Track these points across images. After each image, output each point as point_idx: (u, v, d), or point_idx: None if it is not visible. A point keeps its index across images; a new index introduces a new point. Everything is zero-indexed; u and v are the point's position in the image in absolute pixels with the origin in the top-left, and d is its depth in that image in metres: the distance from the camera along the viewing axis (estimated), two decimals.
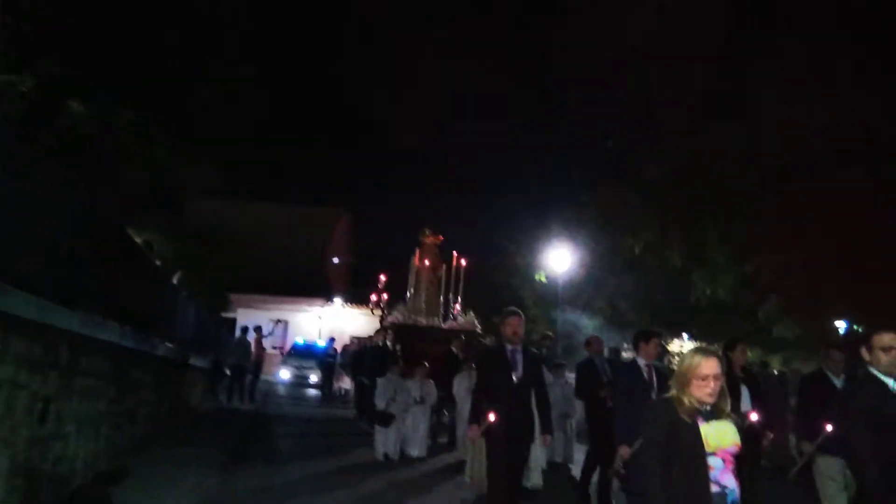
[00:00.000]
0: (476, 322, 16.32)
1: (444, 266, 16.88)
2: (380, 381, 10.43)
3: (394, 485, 8.27)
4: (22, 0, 6.11)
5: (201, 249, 18.33)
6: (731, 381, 6.01)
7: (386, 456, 9.76)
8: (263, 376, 19.94)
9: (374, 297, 20.95)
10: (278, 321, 23.49)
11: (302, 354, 24.50)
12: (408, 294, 17.40)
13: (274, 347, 31.97)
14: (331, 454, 10.20)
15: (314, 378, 21.98)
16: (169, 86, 9.65)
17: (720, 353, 3.42)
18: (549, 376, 8.97)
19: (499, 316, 15.89)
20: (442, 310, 16.55)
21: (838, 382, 6.22)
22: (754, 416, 6.33)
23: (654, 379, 5.88)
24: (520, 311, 6.27)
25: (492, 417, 5.55)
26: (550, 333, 11.71)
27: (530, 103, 48.47)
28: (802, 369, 17.50)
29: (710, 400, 3.30)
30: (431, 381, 10.57)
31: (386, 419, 9.90)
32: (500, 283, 21.59)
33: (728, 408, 3.38)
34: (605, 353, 9.70)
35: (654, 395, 5.64)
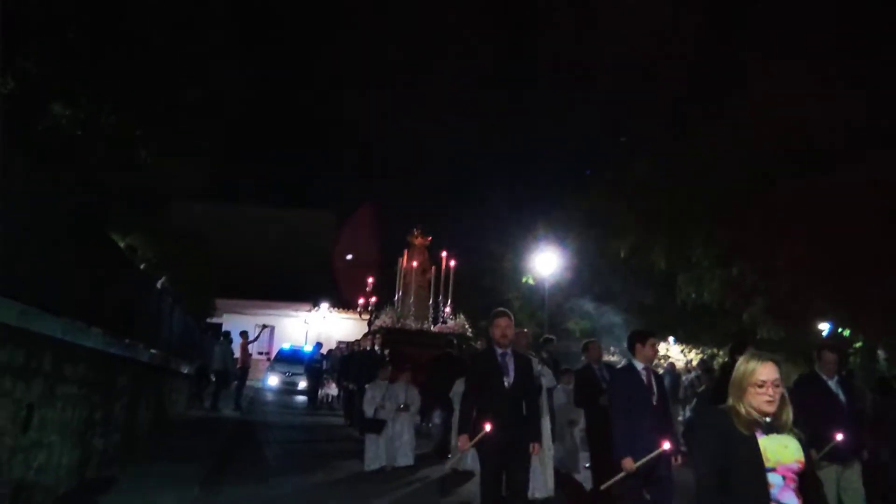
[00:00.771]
0: (467, 325, 16.14)
1: (433, 268, 16.67)
2: (368, 387, 10.14)
3: (387, 496, 8.01)
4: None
5: (186, 253, 18.16)
6: None
7: (377, 466, 9.36)
8: (250, 382, 19.76)
9: (361, 301, 20.78)
10: (264, 326, 23.32)
11: (289, 360, 24.07)
12: (396, 297, 17.16)
13: (260, 353, 31.82)
14: (320, 464, 9.97)
15: (303, 384, 21.68)
16: (153, 88, 9.54)
17: (776, 358, 3.06)
18: (552, 381, 8.74)
19: (486, 320, 15.90)
20: (432, 312, 16.29)
21: (832, 384, 6.13)
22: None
23: (654, 384, 5.58)
24: (508, 311, 5.95)
25: (487, 428, 5.21)
26: (552, 337, 11.47)
27: (512, 105, 48.64)
28: (789, 372, 17.61)
29: (770, 409, 3.03)
30: (415, 387, 10.24)
31: (377, 426, 9.56)
32: (487, 287, 21.60)
33: (790, 420, 3.10)
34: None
35: (654, 401, 5.45)
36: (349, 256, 33.88)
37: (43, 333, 5.40)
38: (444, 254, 16.72)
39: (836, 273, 17.24)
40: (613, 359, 21.81)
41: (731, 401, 3.14)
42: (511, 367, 5.53)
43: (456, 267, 16.77)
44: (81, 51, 7.96)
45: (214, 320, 26.72)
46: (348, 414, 14.33)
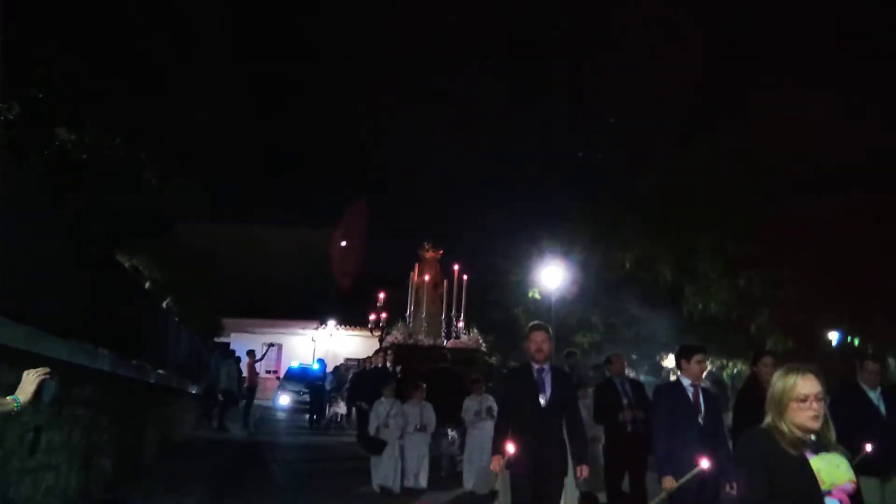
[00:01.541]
0: (480, 340, 15.76)
1: (445, 281, 16.27)
2: (374, 405, 9.78)
3: None
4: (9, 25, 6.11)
5: (193, 274, 18.23)
6: (760, 400, 5.78)
7: (383, 487, 9.08)
8: (258, 401, 19.70)
9: (372, 317, 20.49)
10: (271, 345, 23.24)
11: (299, 378, 23.77)
12: (408, 312, 16.81)
13: (268, 371, 31.81)
14: (328, 485, 9.89)
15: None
16: (158, 110, 9.65)
17: (814, 369, 2.85)
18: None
19: (492, 334, 15.75)
20: (444, 327, 15.94)
21: (874, 396, 5.84)
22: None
23: (702, 401, 5.26)
24: (546, 324, 5.64)
25: (510, 450, 4.84)
26: (575, 351, 11.12)
27: (516, 119, 48.78)
28: None
29: (815, 425, 2.79)
30: (430, 405, 9.70)
31: (377, 446, 9.21)
32: (493, 301, 21.56)
33: (834, 437, 2.88)
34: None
35: (701, 420, 5.17)
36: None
37: (49, 356, 5.44)
38: (456, 267, 16.35)
39: (844, 282, 17.22)
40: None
41: (770, 419, 2.91)
42: (548, 383, 5.23)
43: (474, 278, 16.42)
44: (86, 75, 8.06)
45: (222, 339, 26.75)
46: (360, 433, 14.10)
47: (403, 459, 9.33)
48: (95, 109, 8.41)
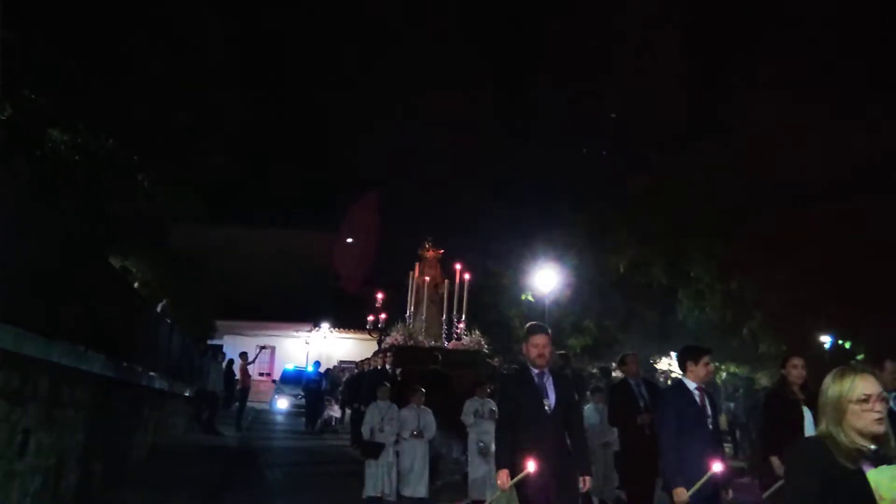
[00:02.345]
0: (483, 341, 15.35)
1: (446, 281, 15.91)
2: (369, 408, 9.43)
3: None
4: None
5: (186, 276, 18.19)
6: (790, 403, 5.46)
7: (375, 498, 8.67)
8: (252, 403, 19.61)
9: (371, 318, 20.14)
10: (262, 347, 23.02)
11: (294, 381, 23.46)
12: (407, 313, 16.43)
13: (261, 374, 31.74)
14: (321, 489, 9.79)
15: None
16: (151, 113, 9.64)
17: (869, 369, 2.59)
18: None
19: (485, 337, 15.65)
20: (445, 329, 15.48)
21: (892, 400, 5.41)
22: None
23: (708, 404, 5.06)
24: (546, 326, 5.27)
25: (531, 467, 4.43)
26: (567, 353, 10.82)
27: (511, 124, 48.88)
28: None
29: (880, 428, 2.50)
30: (429, 410, 9.19)
31: (373, 450, 8.82)
32: (487, 304, 21.58)
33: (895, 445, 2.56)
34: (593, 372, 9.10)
35: (709, 424, 4.98)
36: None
37: (39, 358, 5.42)
38: (457, 266, 15.88)
39: (836, 286, 17.33)
40: (616, 374, 21.77)
41: (823, 428, 2.63)
42: (551, 388, 4.89)
43: (471, 280, 15.77)
44: (79, 77, 8.05)
45: (215, 342, 26.70)
46: (355, 437, 13.92)
47: (399, 466, 8.93)
48: (88, 111, 8.39)
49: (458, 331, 15.32)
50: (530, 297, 20.78)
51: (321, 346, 32.12)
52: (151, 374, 10.45)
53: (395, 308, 18.88)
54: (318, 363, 20.52)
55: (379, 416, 9.07)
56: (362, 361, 17.08)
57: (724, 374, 19.57)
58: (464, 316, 15.43)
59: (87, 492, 7.24)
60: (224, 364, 17.98)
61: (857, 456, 2.50)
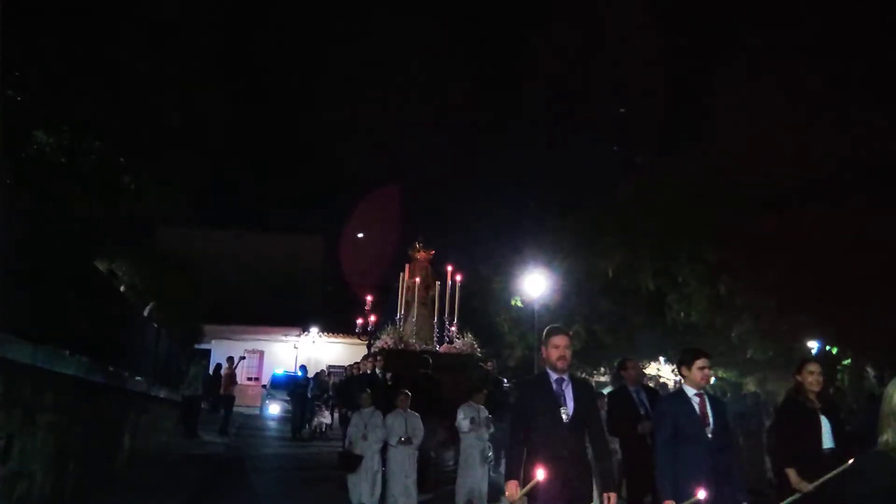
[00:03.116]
0: (476, 345, 15.04)
1: (438, 283, 15.53)
2: (353, 415, 9.03)
3: None
4: None
5: (173, 279, 18.06)
6: (807, 412, 5.18)
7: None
8: (240, 408, 19.43)
9: (360, 321, 19.87)
10: (242, 357, 22.49)
11: (283, 386, 22.90)
12: (398, 316, 15.93)
13: (250, 378, 31.56)
14: (309, 497, 9.65)
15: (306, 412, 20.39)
16: (137, 115, 9.55)
17: None
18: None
19: (478, 339, 15.55)
20: (436, 332, 15.09)
21: None
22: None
23: (710, 412, 4.77)
24: (565, 327, 4.95)
25: (541, 475, 4.07)
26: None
27: (499, 129, 48.99)
28: (778, 390, 17.68)
29: None
30: (417, 415, 8.73)
31: (350, 463, 8.47)
32: (476, 308, 21.58)
33: None
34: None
35: (709, 434, 4.70)
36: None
37: (22, 362, 5.34)
38: (449, 268, 15.51)
39: (824, 291, 17.42)
40: (603, 379, 21.82)
41: (889, 439, 2.47)
42: (569, 395, 4.52)
43: (462, 282, 15.40)
44: (64, 78, 7.97)
45: (203, 346, 26.53)
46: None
47: (387, 475, 8.54)
48: (73, 112, 8.31)
49: (450, 334, 15.00)
50: (519, 303, 20.79)
51: (310, 351, 31.98)
52: (137, 378, 10.35)
53: (385, 311, 18.63)
54: (304, 367, 20.20)
55: (362, 424, 8.64)
56: (351, 366, 16.84)
57: (712, 379, 19.63)
58: (456, 318, 15.10)
59: (70, 497, 7.14)
60: (212, 369, 17.86)
61: None
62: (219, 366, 18.15)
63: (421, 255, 16.04)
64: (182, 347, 17.18)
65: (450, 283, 15.29)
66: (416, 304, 15.55)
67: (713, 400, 4.90)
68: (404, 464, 8.47)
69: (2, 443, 5.17)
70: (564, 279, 19.78)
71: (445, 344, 14.92)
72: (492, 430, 9.26)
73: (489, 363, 14.22)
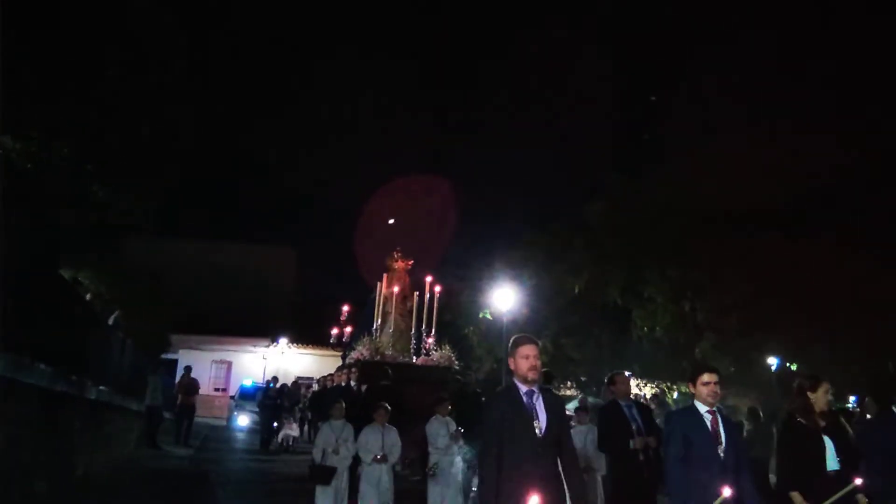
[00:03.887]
0: (453, 357, 14.81)
1: (416, 294, 15.28)
2: (322, 428, 8.68)
3: None
4: None
5: (141, 289, 17.89)
6: (811, 431, 5.04)
7: None
8: (207, 419, 19.15)
9: (335, 332, 19.32)
10: (275, 377, 21.91)
11: (252, 398, 22.62)
12: (374, 326, 15.62)
13: (217, 389, 31.24)
14: None
15: (274, 423, 19.27)
16: (106, 123, 9.55)
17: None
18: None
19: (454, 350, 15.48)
20: (414, 343, 14.81)
21: None
22: (859, 481, 4.58)
23: (722, 430, 4.53)
24: (534, 337, 4.63)
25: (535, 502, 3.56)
26: (550, 371, 10.21)
27: (470, 147, 49.50)
28: (739, 406, 18.05)
29: None
30: (394, 430, 8.27)
31: (322, 475, 8.03)
32: (445, 321, 21.70)
33: None
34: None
35: (721, 453, 4.46)
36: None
37: None
38: (428, 279, 15.16)
39: (784, 310, 17.92)
40: (569, 393, 22.01)
41: None
42: (541, 409, 4.24)
43: (441, 293, 15.17)
44: (33, 85, 7.97)
45: (169, 356, 26.24)
46: None
47: (360, 493, 8.04)
48: (41, 118, 8.30)
49: (428, 346, 14.70)
50: (488, 316, 20.97)
51: (279, 362, 31.76)
52: (101, 388, 10.26)
53: (361, 322, 18.29)
54: (275, 378, 20.05)
55: (333, 438, 8.18)
56: (324, 377, 16.51)
57: (675, 394, 19.98)
58: (433, 330, 14.82)
59: None
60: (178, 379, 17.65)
61: None
62: (187, 372, 17.89)
63: (399, 265, 15.78)
64: (148, 357, 16.98)
65: (428, 294, 15.02)
66: (393, 315, 15.27)
67: (725, 419, 4.65)
68: (380, 481, 7.97)
69: None
70: (533, 293, 20.01)
71: (423, 356, 14.67)
72: (461, 443, 8.89)
73: (465, 376, 14.01)
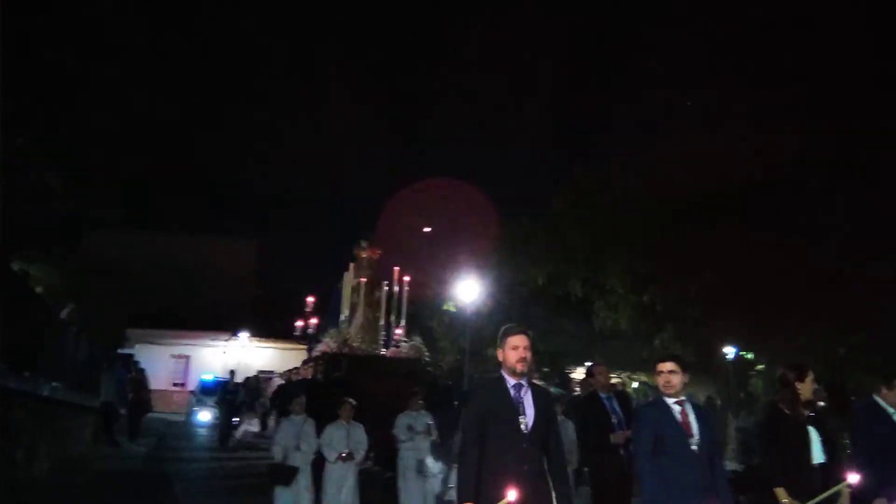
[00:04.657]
0: (423, 349, 14.58)
1: (384, 285, 14.92)
2: (281, 424, 8.30)
3: None
4: None
5: (97, 282, 17.45)
6: (796, 423, 4.86)
7: None
8: (164, 415, 18.81)
9: (300, 324, 19.07)
10: (138, 364, 21.39)
11: (213, 392, 21.86)
12: (342, 317, 15.25)
13: (175, 384, 30.70)
14: None
15: (235, 419, 18.52)
16: (63, 113, 9.26)
17: None
18: None
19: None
20: (383, 335, 14.50)
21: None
22: (854, 478, 4.37)
23: (694, 421, 4.29)
24: (524, 327, 4.33)
25: (512, 496, 3.51)
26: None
27: (431, 138, 49.47)
28: (697, 395, 18.44)
29: None
30: (360, 426, 7.98)
31: (283, 475, 7.69)
32: (409, 313, 21.66)
33: None
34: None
35: (694, 446, 4.21)
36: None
37: None
38: (396, 269, 14.89)
39: (742, 301, 18.34)
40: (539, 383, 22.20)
41: None
42: (529, 403, 4.04)
43: (411, 283, 14.86)
44: None
45: (126, 350, 25.66)
46: None
47: (323, 493, 7.73)
48: None
49: (397, 337, 14.38)
50: (452, 308, 20.99)
51: (239, 356, 31.34)
52: (55, 384, 9.98)
53: (327, 314, 17.91)
54: (232, 372, 19.58)
55: (293, 435, 7.82)
56: (290, 371, 16.12)
57: (635, 384, 20.30)
58: (403, 321, 14.50)
59: None
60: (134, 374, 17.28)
61: None
62: (141, 371, 17.55)
63: (366, 255, 15.22)
64: (104, 352, 16.56)
65: (397, 285, 14.72)
66: (361, 306, 14.81)
67: (697, 409, 4.39)
68: (345, 481, 7.73)
69: None
70: (497, 285, 20.09)
71: (392, 348, 14.38)
72: (433, 437, 8.78)
73: (435, 368, 13.86)
